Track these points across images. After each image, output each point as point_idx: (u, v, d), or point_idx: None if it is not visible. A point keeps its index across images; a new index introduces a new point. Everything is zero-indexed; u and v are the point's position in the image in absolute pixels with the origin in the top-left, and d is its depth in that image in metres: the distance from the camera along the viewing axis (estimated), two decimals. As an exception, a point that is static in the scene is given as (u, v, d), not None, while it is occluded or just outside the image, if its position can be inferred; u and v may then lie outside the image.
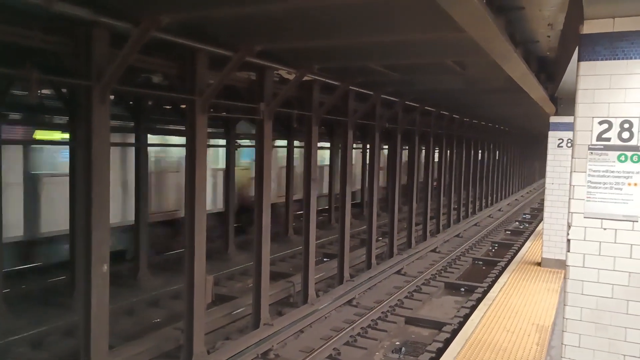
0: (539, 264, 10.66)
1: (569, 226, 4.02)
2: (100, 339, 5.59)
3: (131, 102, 10.78)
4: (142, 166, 11.01)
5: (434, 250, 15.37)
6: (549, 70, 8.86)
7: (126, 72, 5.64)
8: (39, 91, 5.95)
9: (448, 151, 19.40)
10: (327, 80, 8.92)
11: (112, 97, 9.17)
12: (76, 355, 5.88)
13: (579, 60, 4.05)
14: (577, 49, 4.20)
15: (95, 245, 5.43)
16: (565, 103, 10.12)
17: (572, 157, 4.02)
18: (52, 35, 5.52)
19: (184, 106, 8.93)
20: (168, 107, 12.31)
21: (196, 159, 6.69)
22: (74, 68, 5.49)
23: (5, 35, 5.20)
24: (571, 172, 4.01)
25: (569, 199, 4.03)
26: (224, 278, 11.54)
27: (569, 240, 4.03)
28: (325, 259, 13.76)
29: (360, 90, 10.27)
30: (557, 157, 10.29)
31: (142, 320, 9.17)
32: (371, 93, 10.72)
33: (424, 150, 19.17)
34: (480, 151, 23.33)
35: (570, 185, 4.01)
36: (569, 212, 4.03)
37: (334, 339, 8.17)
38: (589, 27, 4.00)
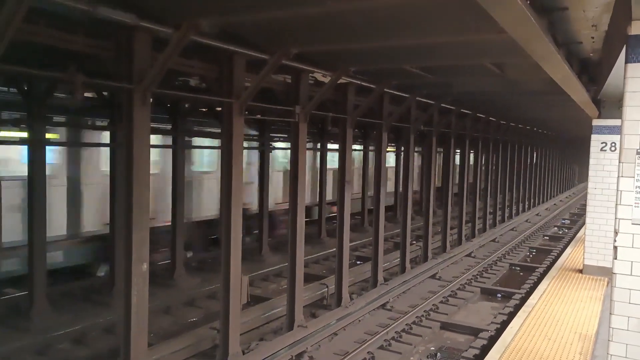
0: (580, 271, 10.36)
1: (616, 233, 3.89)
2: (140, 336, 5.69)
3: (169, 105, 10.98)
4: (179, 167, 11.21)
5: (469, 255, 15.12)
6: (592, 72, 8.61)
7: (165, 75, 5.74)
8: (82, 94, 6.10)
9: (484, 154, 19.07)
10: (362, 83, 8.89)
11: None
12: (116, 351, 6.02)
13: (627, 62, 3.92)
14: (623, 50, 4.06)
15: (135, 245, 5.53)
16: (609, 106, 9.82)
17: (620, 162, 3.89)
18: (95, 39, 5.68)
19: (219, 109, 9.06)
20: (204, 109, 12.49)
21: (232, 161, 6.76)
22: (116, 71, 5.62)
23: (50, 39, 5.38)
24: (618, 177, 3.88)
25: (616, 204, 3.89)
26: (258, 279, 11.62)
27: (615, 248, 3.90)
28: (358, 262, 13.70)
29: (396, 92, 10.19)
30: (600, 161, 10.00)
31: (179, 319, 9.31)
32: (406, 95, 10.62)
33: (459, 154, 18.92)
34: (517, 154, 22.85)
35: (618, 190, 3.88)
36: (615, 218, 3.89)
37: (368, 343, 8.12)
38: (638, 28, 3.86)
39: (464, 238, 16.20)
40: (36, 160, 8.38)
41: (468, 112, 14.87)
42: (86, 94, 9.67)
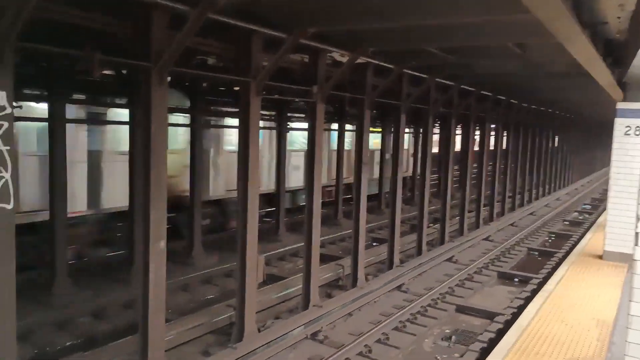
0: (600, 257, 10.21)
1: (638, 219, 3.81)
2: (158, 312, 5.77)
3: (187, 84, 11.01)
4: (197, 146, 11.27)
5: (486, 239, 15.01)
6: (617, 53, 8.37)
7: (183, 54, 5.72)
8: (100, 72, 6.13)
9: (504, 137, 18.81)
10: (380, 63, 8.78)
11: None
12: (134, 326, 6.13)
13: (656, 41, 3.78)
14: (652, 29, 3.92)
15: (153, 223, 5.59)
16: (635, 88, 9.55)
17: (645, 145, 3.78)
18: (113, 17, 5.67)
19: (237, 88, 9.05)
20: (222, 89, 12.50)
21: (249, 140, 6.76)
22: (134, 50, 5.62)
23: (69, 17, 5.39)
24: (643, 161, 3.78)
25: None
26: (274, 259, 11.71)
27: (637, 234, 3.82)
28: (374, 244, 13.72)
29: (415, 73, 10.05)
30: (623, 145, 9.76)
31: (196, 297, 9.44)
32: (426, 77, 10.47)
33: (478, 136, 18.69)
34: (538, 138, 22.49)
35: (641, 175, 3.78)
36: (638, 203, 3.80)
37: (382, 324, 8.15)
38: (668, 6, 3.73)
39: (482, 221, 16.08)
40: (57, 137, 8.49)
41: (489, 94, 14.63)
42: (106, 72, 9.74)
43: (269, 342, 7.08)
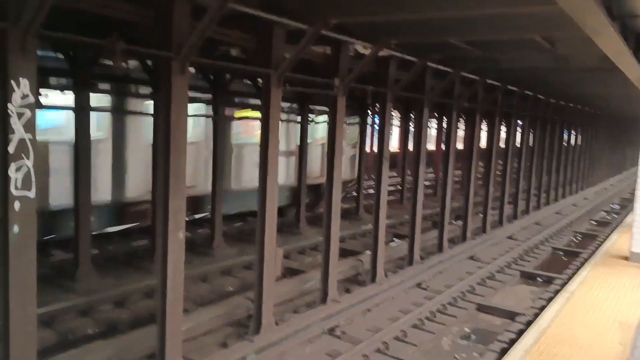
0: (626, 258, 9.96)
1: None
2: (176, 302, 5.80)
3: (211, 77, 11.05)
4: (219, 138, 11.32)
5: (510, 237, 14.75)
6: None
7: (205, 45, 5.72)
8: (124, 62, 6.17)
9: (531, 133, 18.44)
10: (404, 56, 8.66)
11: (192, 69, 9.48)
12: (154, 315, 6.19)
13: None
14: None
15: (172, 213, 5.61)
16: (667, 84, 9.26)
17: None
18: (136, 6, 5.70)
19: (260, 80, 9.03)
20: (248, 81, 12.50)
21: (270, 133, 6.74)
22: (156, 39, 5.63)
23: (92, 6, 5.43)
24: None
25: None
26: (294, 252, 11.71)
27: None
28: (395, 240, 13.62)
29: (439, 67, 9.89)
30: (654, 143, 9.49)
31: (215, 288, 9.49)
32: (450, 70, 10.30)
33: (504, 132, 18.37)
34: (566, 134, 21.99)
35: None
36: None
37: (401, 320, 8.07)
38: None
39: (505, 219, 15.82)
40: (81, 126, 8.62)
41: (515, 89, 14.34)
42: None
43: (286, 336, 7.09)
